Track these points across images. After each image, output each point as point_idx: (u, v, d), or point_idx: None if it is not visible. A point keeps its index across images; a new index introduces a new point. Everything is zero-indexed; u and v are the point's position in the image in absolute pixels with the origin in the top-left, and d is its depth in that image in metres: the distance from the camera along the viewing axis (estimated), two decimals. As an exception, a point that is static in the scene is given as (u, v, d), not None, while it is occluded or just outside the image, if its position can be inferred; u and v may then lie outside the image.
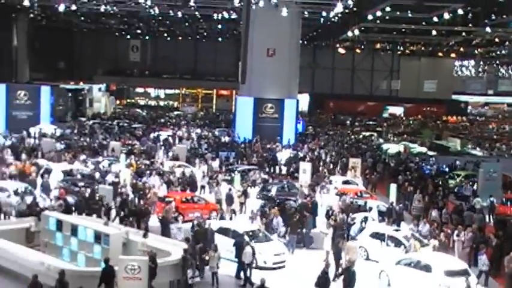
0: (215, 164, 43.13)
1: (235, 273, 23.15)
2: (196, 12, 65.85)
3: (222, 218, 29.77)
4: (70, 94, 76.23)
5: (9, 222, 26.68)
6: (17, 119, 56.27)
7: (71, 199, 30.27)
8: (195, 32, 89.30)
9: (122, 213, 28.89)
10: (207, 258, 22.41)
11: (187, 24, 78.48)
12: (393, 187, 35.03)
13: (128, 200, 30.44)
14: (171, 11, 64.94)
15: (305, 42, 76.15)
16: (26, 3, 60.98)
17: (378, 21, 61.10)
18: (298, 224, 27.62)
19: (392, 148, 58.01)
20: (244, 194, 33.62)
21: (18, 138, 50.26)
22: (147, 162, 42.09)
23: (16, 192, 30.38)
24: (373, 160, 49.00)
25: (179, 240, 24.72)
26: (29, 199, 29.37)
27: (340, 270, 22.51)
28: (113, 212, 29.43)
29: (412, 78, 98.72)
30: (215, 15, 65.97)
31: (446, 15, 53.69)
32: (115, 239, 22.11)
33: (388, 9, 53.38)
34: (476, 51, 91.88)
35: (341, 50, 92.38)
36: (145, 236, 23.46)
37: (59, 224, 24.10)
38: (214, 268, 22.22)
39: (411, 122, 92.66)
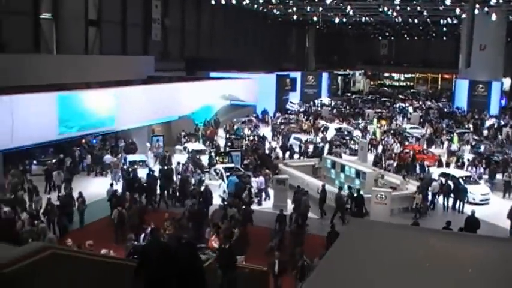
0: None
1: (451, 205, 22.11)
2: (428, 19, 62.06)
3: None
4: (340, 77, 77.20)
5: (302, 161, 28.27)
6: (307, 94, 58.67)
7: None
8: (426, 34, 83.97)
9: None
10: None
11: (420, 28, 74.06)
12: None
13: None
14: (410, 19, 62.19)
15: (509, 39, 66.83)
16: (315, 19, 63.14)
17: None
18: (496, 172, 25.38)
19: None
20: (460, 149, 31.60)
21: (307, 107, 52.79)
22: (389, 125, 41.29)
23: (305, 142, 32.17)
24: None
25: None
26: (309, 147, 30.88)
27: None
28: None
29: None
30: (441, 21, 61.60)
31: None
32: (370, 176, 22.41)
33: None
34: None
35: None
36: (404, 177, 22.86)
37: (333, 164, 25.16)
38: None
39: None
